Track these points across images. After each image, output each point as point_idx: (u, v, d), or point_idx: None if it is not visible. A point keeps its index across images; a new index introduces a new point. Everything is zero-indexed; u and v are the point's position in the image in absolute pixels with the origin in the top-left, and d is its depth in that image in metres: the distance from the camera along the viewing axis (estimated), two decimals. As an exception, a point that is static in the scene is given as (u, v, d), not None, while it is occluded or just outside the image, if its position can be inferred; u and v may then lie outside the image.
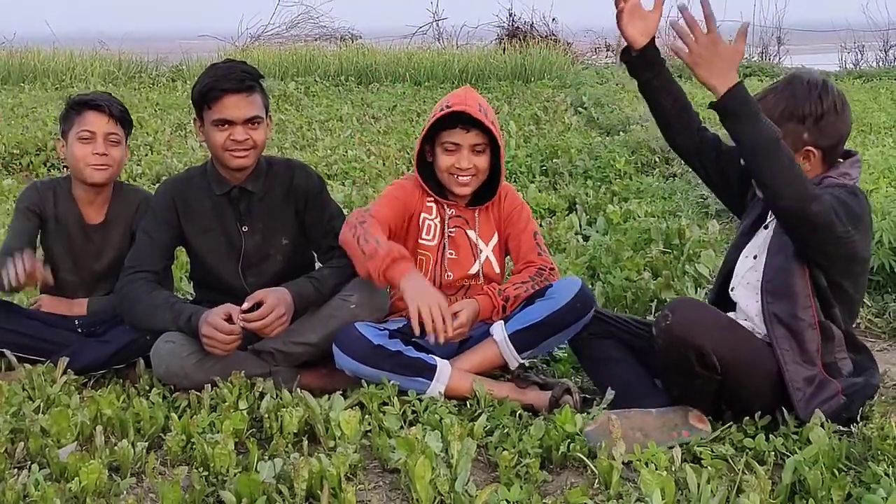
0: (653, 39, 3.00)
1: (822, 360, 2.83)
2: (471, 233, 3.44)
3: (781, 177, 2.64)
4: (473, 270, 3.44)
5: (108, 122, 3.50)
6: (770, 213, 2.96)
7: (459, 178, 3.34)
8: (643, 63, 3.02)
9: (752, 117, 2.66)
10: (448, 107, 3.30)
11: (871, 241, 2.88)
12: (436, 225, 3.44)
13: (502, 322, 3.24)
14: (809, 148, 2.84)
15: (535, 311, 3.22)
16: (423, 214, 3.43)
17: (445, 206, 3.44)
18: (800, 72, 2.96)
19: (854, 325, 3.96)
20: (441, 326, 3.03)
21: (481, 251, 3.44)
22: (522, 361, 3.25)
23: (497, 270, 3.48)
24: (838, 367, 2.85)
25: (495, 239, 3.47)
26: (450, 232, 3.43)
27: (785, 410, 2.80)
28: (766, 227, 2.99)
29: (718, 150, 3.10)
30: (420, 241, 3.42)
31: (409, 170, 6.82)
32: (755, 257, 2.98)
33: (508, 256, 3.57)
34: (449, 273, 3.43)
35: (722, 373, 2.75)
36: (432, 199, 3.44)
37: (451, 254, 3.43)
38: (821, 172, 2.87)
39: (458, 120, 3.30)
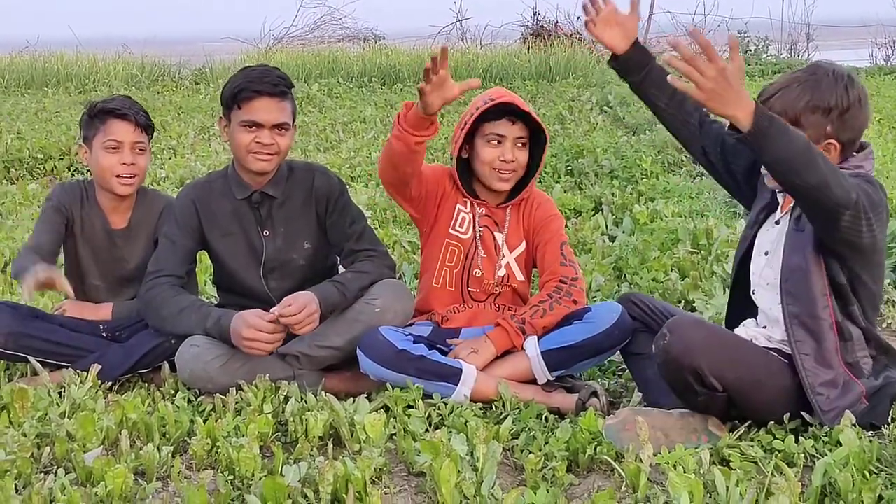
0: (636, 41, 2.95)
1: (844, 359, 2.77)
2: (498, 236, 3.42)
3: (824, 176, 2.48)
4: (500, 273, 3.41)
5: (135, 130, 3.49)
6: (781, 206, 2.89)
7: (501, 172, 3.32)
8: (630, 67, 2.98)
9: (782, 131, 2.47)
10: (492, 99, 3.29)
11: (886, 231, 2.77)
12: (469, 219, 3.43)
13: (535, 338, 3.22)
14: (831, 141, 2.74)
15: (571, 333, 3.19)
16: (458, 206, 3.43)
17: (476, 205, 3.43)
18: (822, 62, 2.85)
19: (878, 319, 3.91)
20: None
21: (503, 256, 3.42)
22: (552, 378, 3.22)
23: (520, 278, 3.44)
24: (861, 367, 2.79)
25: (522, 247, 3.43)
26: (479, 230, 3.42)
27: (807, 415, 2.76)
28: (777, 223, 2.91)
29: (723, 143, 3.01)
30: (452, 231, 3.42)
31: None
32: (767, 254, 2.91)
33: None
34: (478, 270, 3.41)
35: (727, 390, 2.72)
36: (466, 197, 3.43)
37: (482, 252, 3.41)
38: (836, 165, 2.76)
39: (504, 112, 3.29)
